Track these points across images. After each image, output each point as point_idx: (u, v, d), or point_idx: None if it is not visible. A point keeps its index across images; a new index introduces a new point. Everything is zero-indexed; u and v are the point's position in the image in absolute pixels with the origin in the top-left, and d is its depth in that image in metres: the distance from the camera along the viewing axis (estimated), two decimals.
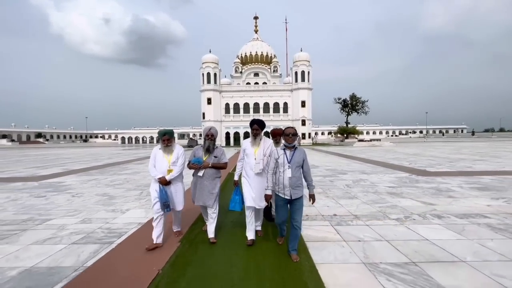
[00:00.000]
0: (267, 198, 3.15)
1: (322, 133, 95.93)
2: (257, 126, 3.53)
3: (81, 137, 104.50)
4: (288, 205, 3.11)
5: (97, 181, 8.69)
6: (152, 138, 79.02)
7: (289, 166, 2.97)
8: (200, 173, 3.53)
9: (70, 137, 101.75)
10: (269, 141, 3.66)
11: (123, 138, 79.76)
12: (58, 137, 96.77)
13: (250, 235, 3.53)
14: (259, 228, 3.90)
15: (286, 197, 3.00)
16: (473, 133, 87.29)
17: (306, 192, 3.20)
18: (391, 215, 4.58)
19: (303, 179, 3.11)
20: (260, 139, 3.57)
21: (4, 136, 77.82)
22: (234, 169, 3.82)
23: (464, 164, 11.80)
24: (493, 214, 4.55)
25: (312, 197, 3.09)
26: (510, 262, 2.87)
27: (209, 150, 3.58)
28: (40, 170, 11.89)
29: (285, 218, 3.18)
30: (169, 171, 3.46)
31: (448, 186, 6.95)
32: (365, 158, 15.50)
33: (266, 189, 3.12)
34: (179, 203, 3.59)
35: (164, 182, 3.41)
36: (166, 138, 3.49)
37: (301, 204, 3.04)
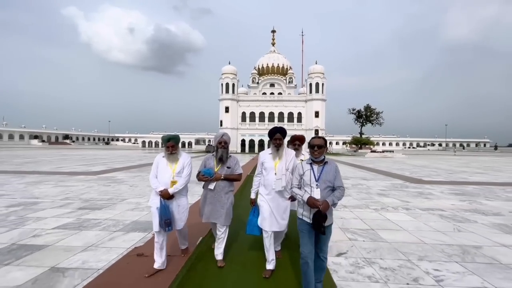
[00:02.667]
0: (312, 202, 2.32)
1: (337, 143, 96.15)
2: (280, 135, 3.00)
3: (103, 139, 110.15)
4: (314, 233, 2.46)
5: (141, 177, 10.71)
6: None
7: (317, 185, 2.38)
8: (211, 186, 3.14)
9: (94, 139, 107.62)
10: (292, 153, 3.14)
11: (143, 142, 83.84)
12: (83, 139, 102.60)
13: (269, 265, 2.98)
14: (278, 248, 3.44)
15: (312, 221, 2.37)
16: (495, 147, 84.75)
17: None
18: (371, 207, 6.18)
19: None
20: (283, 150, 3.06)
21: (35, 137, 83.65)
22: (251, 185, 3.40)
23: (461, 176, 12.95)
24: (451, 209, 6.03)
25: (324, 203, 2.29)
26: (437, 232, 4.43)
27: (222, 159, 3.18)
28: (89, 167, 14.17)
29: (311, 250, 2.45)
30: (173, 182, 2.98)
31: (431, 191, 8.37)
32: (371, 168, 16.85)
33: (302, 197, 2.42)
34: (181, 221, 3.07)
35: (166, 196, 2.92)
36: (170, 145, 3.02)
37: (330, 232, 2.47)
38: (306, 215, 2.43)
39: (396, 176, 12.55)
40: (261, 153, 3.23)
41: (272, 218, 2.97)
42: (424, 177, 12.17)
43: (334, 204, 2.35)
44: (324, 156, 2.48)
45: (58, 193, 7.15)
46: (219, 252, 3.25)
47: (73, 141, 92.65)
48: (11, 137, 78.32)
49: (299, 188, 2.50)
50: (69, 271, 2.90)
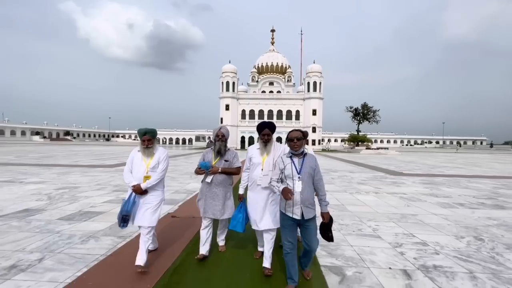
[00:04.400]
0: (287, 191, 2.32)
1: (335, 140, 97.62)
2: (269, 130, 2.93)
3: (104, 136, 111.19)
4: (298, 227, 2.52)
5: None
6: (171, 139, 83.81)
7: (299, 177, 2.40)
8: (208, 180, 3.10)
9: (94, 135, 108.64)
10: (281, 147, 3.02)
11: None
12: (84, 135, 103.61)
13: (266, 263, 2.84)
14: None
15: (296, 217, 2.40)
16: (491, 145, 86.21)
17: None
18: (348, 191, 7.61)
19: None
20: (271, 146, 2.96)
21: (37, 133, 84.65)
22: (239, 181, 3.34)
23: (440, 170, 14.39)
24: (412, 193, 7.46)
25: (325, 216, 2.49)
26: (391, 206, 5.84)
27: (220, 152, 3.16)
28: (103, 161, 15.55)
29: (295, 244, 2.49)
30: (146, 177, 2.88)
31: (404, 182, 9.81)
32: (361, 163, 18.30)
33: (278, 188, 2.43)
34: (148, 219, 2.84)
35: (138, 191, 2.82)
36: (146, 138, 2.91)
37: (314, 226, 2.48)
38: (289, 210, 2.43)
39: (381, 169, 14.00)
40: (249, 147, 3.16)
41: (258, 216, 2.93)
42: (405, 170, 13.61)
43: (326, 202, 2.51)
44: (303, 149, 2.53)
45: (89, 180, 8.55)
46: (220, 239, 3.48)
47: (74, 138, 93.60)
48: (12, 133, 79.30)
49: (281, 181, 2.51)
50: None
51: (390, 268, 2.99)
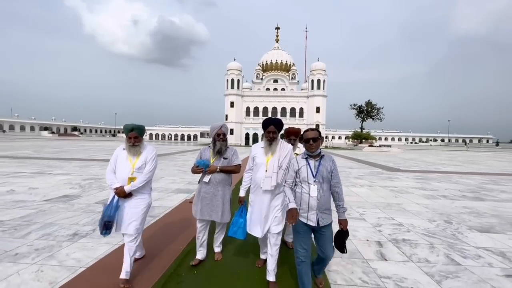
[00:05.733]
0: (292, 215, 2.23)
1: (339, 138, 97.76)
2: (275, 127, 2.68)
3: (110, 131, 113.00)
4: (312, 234, 2.35)
5: (165, 164, 13.00)
6: (176, 136, 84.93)
7: (315, 181, 2.25)
8: (206, 179, 2.93)
9: (101, 131, 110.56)
10: (288, 147, 2.78)
11: (150, 135, 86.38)
12: (91, 131, 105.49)
13: (270, 276, 2.58)
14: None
15: (311, 223, 2.25)
16: (497, 143, 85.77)
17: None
18: (344, 184, 8.37)
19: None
20: (277, 145, 2.72)
21: (45, 128, 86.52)
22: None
23: (437, 167, 15.00)
24: (402, 187, 8.20)
25: (343, 223, 2.30)
26: (380, 197, 6.60)
27: (220, 152, 3.00)
28: None
29: (308, 252, 2.30)
30: (131, 179, 2.59)
31: (398, 177, 10.53)
32: (362, 160, 18.99)
33: (288, 203, 2.29)
34: (134, 225, 2.58)
35: (122, 194, 2.55)
36: (133, 135, 2.63)
37: (330, 233, 2.33)
38: (303, 216, 2.27)
39: (379, 166, 14.70)
40: (253, 146, 2.91)
41: (258, 222, 2.68)
42: (402, 167, 14.28)
43: (345, 208, 2.32)
44: (320, 150, 2.35)
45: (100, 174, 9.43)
46: (216, 244, 3.20)
47: (81, 133, 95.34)
48: (22, 128, 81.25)
49: (295, 185, 2.36)
50: (155, 208, 5.16)
51: (367, 240, 3.79)
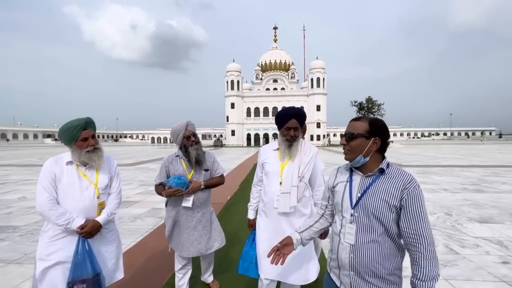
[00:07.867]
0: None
1: (341, 135, 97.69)
2: (297, 122, 1.85)
3: (112, 137, 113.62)
4: None
5: None
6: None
7: (351, 215, 1.18)
8: (188, 203, 2.13)
9: (103, 137, 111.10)
10: (313, 150, 1.93)
11: (152, 138, 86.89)
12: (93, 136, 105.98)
13: None
14: None
15: (343, 286, 1.22)
16: (500, 135, 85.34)
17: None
18: None
19: (393, 257, 1.15)
20: (297, 147, 1.86)
21: (48, 136, 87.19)
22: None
23: (438, 161, 15.10)
24: None
25: None
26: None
27: (198, 162, 2.18)
28: (120, 161, 16.69)
29: None
30: (100, 205, 1.71)
31: None
32: None
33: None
34: (116, 269, 1.81)
35: (95, 232, 1.64)
36: (90, 134, 1.67)
37: None
38: (335, 272, 1.27)
39: None
40: (261, 148, 2.06)
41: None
42: (404, 162, 14.38)
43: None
44: (362, 158, 1.17)
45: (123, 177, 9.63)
46: (206, 275, 2.51)
47: None
48: (25, 136, 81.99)
49: (330, 212, 1.37)
50: (162, 210, 5.32)
51: None
